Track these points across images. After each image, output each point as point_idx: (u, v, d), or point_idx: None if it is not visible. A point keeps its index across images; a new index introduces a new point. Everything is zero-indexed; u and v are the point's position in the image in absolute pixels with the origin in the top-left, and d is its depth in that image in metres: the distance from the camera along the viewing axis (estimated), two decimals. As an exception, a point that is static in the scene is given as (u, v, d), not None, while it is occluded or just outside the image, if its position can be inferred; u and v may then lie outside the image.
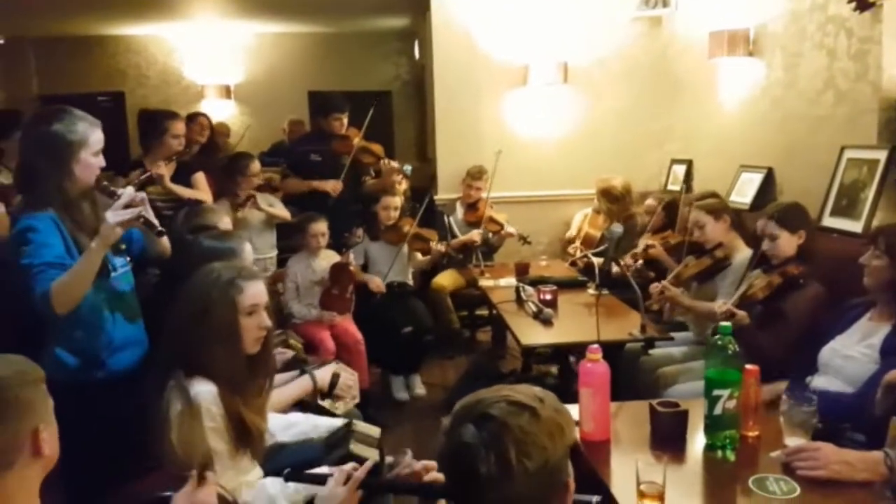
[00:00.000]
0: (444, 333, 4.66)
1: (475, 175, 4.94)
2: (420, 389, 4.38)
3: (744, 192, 3.94)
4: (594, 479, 1.85)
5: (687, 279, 3.29)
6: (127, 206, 2.05)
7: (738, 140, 4.22)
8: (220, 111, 7.77)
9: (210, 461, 1.76)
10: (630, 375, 3.18)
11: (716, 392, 1.88)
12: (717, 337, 1.93)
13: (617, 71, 5.28)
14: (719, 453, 1.89)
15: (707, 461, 1.89)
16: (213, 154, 4.91)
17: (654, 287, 3.14)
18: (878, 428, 1.97)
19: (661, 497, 1.63)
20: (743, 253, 3.23)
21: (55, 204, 2.11)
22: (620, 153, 5.22)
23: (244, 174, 4.15)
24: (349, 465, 1.53)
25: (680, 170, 4.97)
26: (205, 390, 1.82)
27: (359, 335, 4.06)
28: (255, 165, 4.25)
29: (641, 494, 1.64)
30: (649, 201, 4.40)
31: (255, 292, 1.93)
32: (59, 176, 2.12)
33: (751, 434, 1.97)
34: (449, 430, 1.10)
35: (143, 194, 2.16)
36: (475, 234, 4.71)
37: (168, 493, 1.47)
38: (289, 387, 2.40)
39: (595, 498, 1.24)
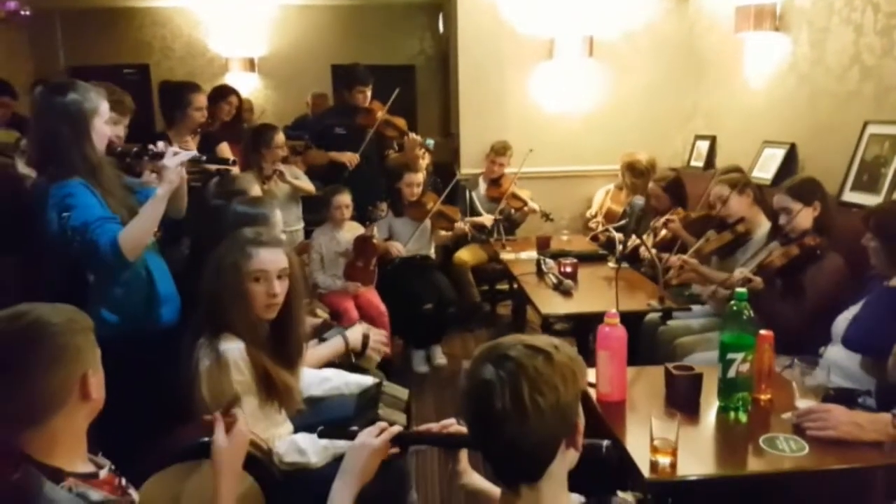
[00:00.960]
0: (465, 307, 4.74)
1: (499, 151, 4.97)
2: (441, 360, 4.46)
3: (766, 167, 3.94)
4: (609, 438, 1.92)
5: (708, 253, 3.32)
6: (177, 152, 2.17)
7: (762, 116, 4.21)
8: (245, 84, 7.84)
9: (237, 405, 1.86)
10: (649, 346, 3.24)
11: (730, 356, 1.93)
12: (732, 302, 1.98)
13: (643, 45, 5.26)
14: (732, 415, 1.95)
15: (720, 422, 1.95)
16: (237, 128, 4.96)
17: (674, 260, 3.18)
18: (890, 394, 2.02)
19: (673, 452, 1.70)
20: (764, 228, 3.25)
21: (81, 171, 2.19)
22: (645, 129, 5.22)
23: (269, 146, 4.19)
24: (381, 424, 1.60)
25: (703, 146, 4.96)
26: (232, 347, 1.91)
27: (382, 307, 4.14)
28: (280, 137, 4.30)
29: (655, 449, 1.71)
30: (651, 186, 4.35)
31: (266, 259, 1.97)
32: (81, 143, 2.21)
33: (763, 397, 2.02)
34: (470, 370, 1.18)
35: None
36: (486, 219, 4.74)
37: (206, 440, 1.57)
38: (321, 347, 2.50)
39: (605, 442, 1.31)
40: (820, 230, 2.84)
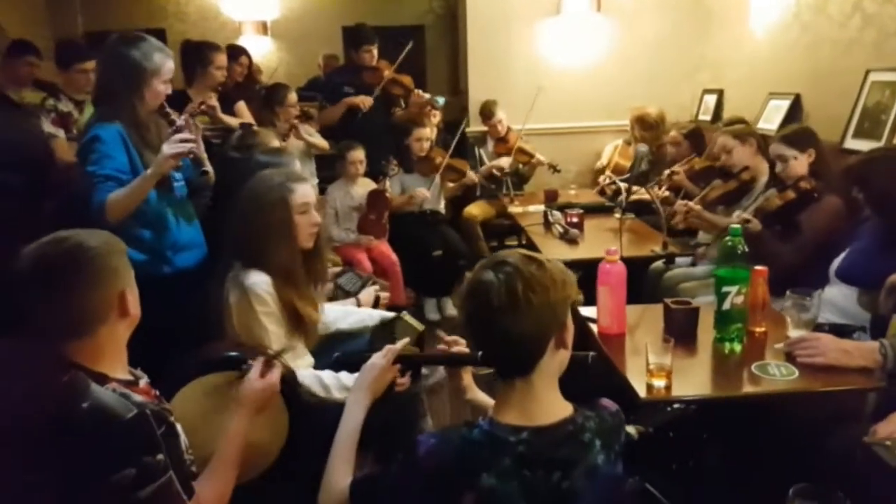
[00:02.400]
0: (474, 260, 4.82)
1: (487, 114, 4.94)
2: (452, 310, 4.59)
3: (771, 119, 3.99)
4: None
5: (713, 201, 3.40)
6: (183, 141, 2.26)
7: (767, 67, 4.24)
8: (258, 47, 7.89)
9: (268, 343, 2.00)
10: (653, 293, 3.34)
11: (725, 289, 2.02)
12: (727, 238, 2.07)
13: (650, -1, 5.26)
14: (727, 346, 2.04)
15: (715, 352, 2.06)
16: (250, 88, 5.04)
17: (679, 205, 3.26)
18: (882, 327, 2.12)
19: (668, 375, 1.81)
20: (767, 176, 3.32)
21: (125, 119, 2.33)
22: (653, 84, 5.23)
23: (282, 104, 4.27)
24: (389, 346, 1.73)
25: (711, 100, 4.99)
26: (260, 280, 2.05)
27: (394, 257, 4.28)
28: (293, 96, 4.38)
29: (650, 373, 1.82)
30: (672, 133, 4.45)
31: (305, 192, 2.16)
32: (131, 97, 2.35)
33: (758, 330, 2.13)
34: (471, 275, 1.31)
35: (198, 126, 2.38)
36: (503, 161, 4.81)
37: (232, 354, 1.70)
38: (335, 304, 2.63)
39: (591, 353, 1.45)
40: (815, 176, 2.91)
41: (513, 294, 1.23)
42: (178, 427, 1.45)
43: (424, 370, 3.25)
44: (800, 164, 2.90)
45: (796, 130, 3.01)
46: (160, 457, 1.30)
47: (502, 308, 1.24)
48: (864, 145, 3.12)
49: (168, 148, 2.24)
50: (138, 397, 1.35)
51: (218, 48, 3.91)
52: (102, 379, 1.33)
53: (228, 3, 8.09)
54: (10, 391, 1.32)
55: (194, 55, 3.83)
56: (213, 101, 3.70)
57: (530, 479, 1.23)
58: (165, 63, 2.39)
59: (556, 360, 1.32)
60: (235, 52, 4.77)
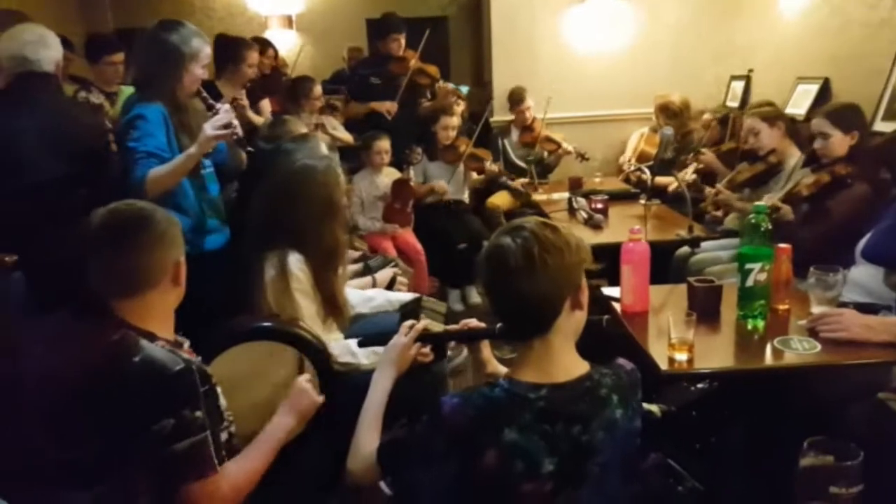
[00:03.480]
0: (497, 249, 4.86)
1: (516, 100, 4.96)
2: (476, 299, 4.62)
3: (799, 103, 3.95)
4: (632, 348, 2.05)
5: (740, 184, 3.39)
6: (225, 123, 2.33)
7: (795, 51, 4.20)
8: (283, 41, 7.97)
9: (300, 320, 2.06)
10: (679, 278, 3.33)
11: (748, 266, 2.03)
12: (751, 216, 2.07)
13: (676, -16, 5.22)
14: (750, 323, 2.05)
15: (738, 328, 2.07)
16: (276, 80, 5.11)
17: (709, 190, 3.26)
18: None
19: (690, 349, 1.83)
20: (795, 159, 3.30)
21: (166, 100, 2.43)
22: (679, 71, 5.19)
23: (307, 97, 4.34)
24: (410, 321, 1.77)
25: (738, 86, 4.95)
26: (294, 259, 2.13)
27: (419, 246, 4.33)
28: (318, 88, 4.44)
29: (672, 346, 1.84)
30: (706, 116, 4.45)
31: (344, 178, 2.27)
32: (171, 81, 2.45)
33: (781, 307, 2.13)
34: (490, 241, 1.36)
35: (236, 109, 2.46)
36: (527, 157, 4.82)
37: (265, 324, 1.76)
38: (352, 282, 2.70)
39: (605, 317, 1.48)
40: (854, 159, 2.85)
41: (529, 256, 1.28)
42: (219, 389, 1.51)
43: (449, 352, 3.32)
44: (840, 144, 2.83)
45: (843, 108, 2.92)
46: (199, 413, 1.36)
47: (520, 269, 1.28)
48: (893, 127, 3.08)
49: (211, 128, 2.31)
50: (185, 354, 1.43)
51: (252, 46, 4.00)
52: (151, 337, 1.42)
53: (255, -2, 8.19)
54: (68, 352, 1.41)
55: (228, 50, 3.90)
56: (245, 100, 3.79)
57: (551, 432, 1.27)
58: (203, 48, 2.49)
59: (572, 321, 1.36)
60: (262, 45, 4.85)
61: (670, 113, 4.73)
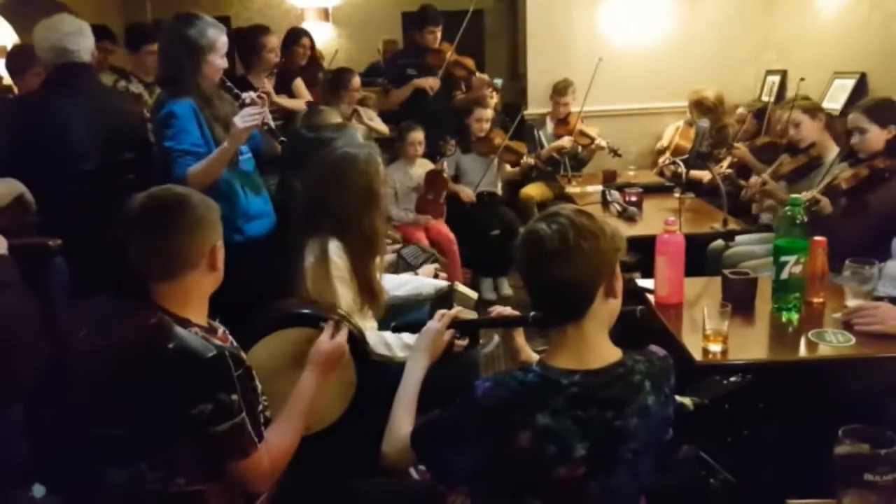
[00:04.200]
0: (530, 241, 4.88)
1: (561, 91, 4.99)
2: (508, 290, 4.66)
3: (836, 98, 3.92)
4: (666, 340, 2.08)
5: (782, 175, 3.38)
6: (253, 114, 2.40)
7: (833, 47, 4.15)
8: (319, 33, 8.05)
9: (338, 306, 2.11)
10: (713, 272, 3.34)
11: (783, 258, 2.05)
12: (787, 208, 2.09)
13: (713, -22, 5.18)
14: (784, 315, 2.07)
15: (773, 320, 2.09)
16: (313, 70, 5.15)
17: (755, 180, 3.26)
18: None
19: (724, 340, 1.85)
20: (833, 153, 3.28)
21: (192, 94, 2.48)
22: (715, 65, 5.14)
23: (347, 88, 4.41)
24: (443, 310, 1.80)
25: (774, 80, 4.90)
26: (334, 246, 2.18)
27: (452, 236, 4.37)
28: (357, 80, 4.51)
29: (706, 338, 1.87)
30: (740, 110, 4.43)
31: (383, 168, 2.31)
32: (193, 74, 2.50)
33: (816, 300, 2.14)
34: (526, 227, 1.39)
35: (264, 98, 2.54)
36: (566, 140, 4.83)
37: (308, 310, 1.82)
38: (395, 277, 2.74)
39: (639, 307, 1.50)
40: (892, 153, 2.85)
41: (565, 241, 1.30)
42: (254, 373, 1.57)
43: (482, 339, 3.36)
44: (877, 138, 2.83)
45: (880, 103, 2.93)
46: (235, 397, 1.42)
47: (555, 253, 1.30)
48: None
49: (241, 121, 2.38)
50: (218, 341, 1.48)
51: (267, 31, 4.01)
52: (186, 323, 1.47)
53: (292, -10, 8.30)
54: (108, 334, 1.49)
55: (246, 42, 3.97)
56: (268, 86, 3.85)
57: (584, 417, 1.29)
58: (219, 38, 2.53)
59: (606, 308, 1.38)
60: (297, 34, 4.83)
61: (704, 108, 4.71)
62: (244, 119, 2.38)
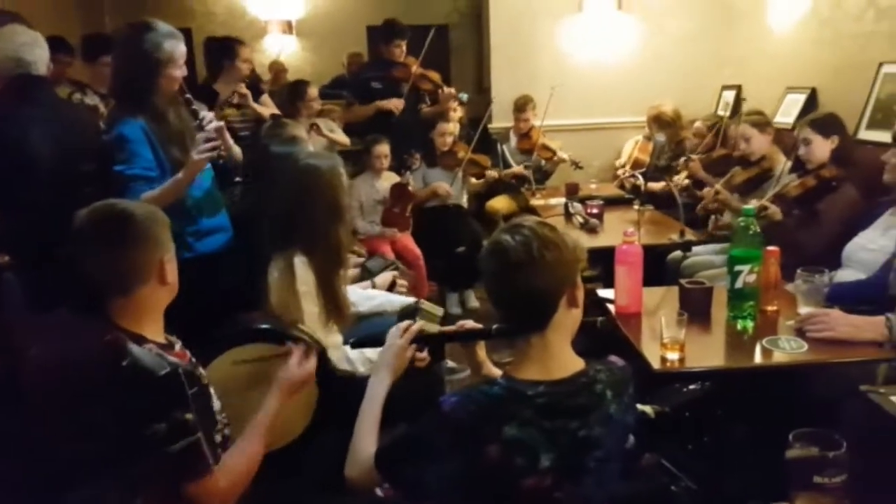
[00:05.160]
0: (497, 253, 4.92)
1: (521, 107, 5.05)
2: (475, 303, 4.68)
3: (788, 112, 4.06)
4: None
5: (735, 187, 3.49)
6: (210, 147, 2.33)
7: (785, 63, 4.29)
8: (283, 47, 8.07)
9: (303, 321, 2.10)
10: (673, 281, 3.41)
11: (737, 268, 2.10)
12: (740, 219, 2.15)
13: (671, -4, 5.32)
14: (740, 323, 2.12)
15: (728, 329, 2.13)
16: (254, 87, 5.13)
17: (708, 190, 3.36)
18: (890, 307, 2.18)
19: (681, 348, 1.89)
20: (783, 165, 3.39)
21: (146, 112, 2.38)
22: (674, 81, 5.28)
23: (303, 99, 4.39)
24: (405, 323, 1.76)
25: (729, 95, 5.04)
26: (299, 260, 2.16)
27: (418, 251, 4.38)
28: (314, 90, 4.50)
29: (664, 346, 1.90)
30: (697, 124, 4.54)
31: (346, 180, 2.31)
32: (148, 88, 2.39)
33: (770, 308, 2.20)
34: (491, 239, 1.41)
35: (220, 124, 2.45)
36: (521, 168, 4.91)
37: (266, 326, 1.81)
38: (361, 291, 2.74)
39: (600, 318, 1.53)
40: (837, 163, 2.97)
41: (529, 251, 1.33)
42: (212, 390, 1.55)
43: (451, 364, 3.36)
44: (822, 149, 2.97)
45: (823, 116, 3.09)
46: (189, 415, 1.40)
47: (520, 263, 1.33)
48: (877, 136, 3.19)
49: (197, 155, 2.31)
50: (173, 358, 1.46)
51: (242, 42, 4.05)
52: (141, 340, 1.46)
53: (255, 3, 8.27)
54: (62, 351, 1.46)
55: (220, 51, 3.97)
56: (244, 89, 3.87)
57: (550, 428, 1.31)
58: (177, 48, 2.40)
59: (569, 318, 1.40)
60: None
61: (663, 122, 4.82)
62: (200, 153, 2.32)
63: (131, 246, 1.48)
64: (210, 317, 2.07)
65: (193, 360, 1.62)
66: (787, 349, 1.94)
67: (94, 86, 3.90)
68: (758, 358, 1.96)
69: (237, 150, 2.78)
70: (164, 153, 2.40)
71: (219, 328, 1.93)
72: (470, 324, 1.77)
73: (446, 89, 4.83)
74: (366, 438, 1.51)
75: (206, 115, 2.46)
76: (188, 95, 2.49)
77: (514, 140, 5.20)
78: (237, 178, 3.15)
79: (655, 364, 1.90)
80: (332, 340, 2.28)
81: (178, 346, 1.59)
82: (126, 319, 1.48)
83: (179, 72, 2.45)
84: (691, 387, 2.49)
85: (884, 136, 3.00)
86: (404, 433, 1.42)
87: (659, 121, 4.84)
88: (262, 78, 6.37)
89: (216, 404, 1.57)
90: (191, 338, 1.71)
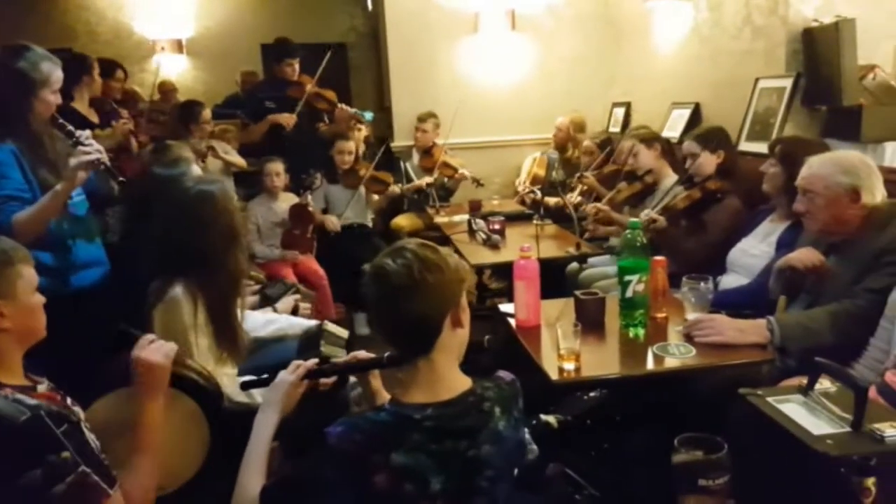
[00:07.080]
0: (402, 270, 4.91)
1: (421, 118, 5.12)
2: (382, 323, 4.63)
3: (674, 127, 4.24)
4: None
5: (620, 202, 3.60)
6: (88, 153, 2.20)
7: (670, 80, 4.50)
8: (173, 66, 7.81)
9: (195, 357, 1.99)
10: (571, 293, 3.49)
11: (627, 278, 2.16)
12: (627, 231, 2.21)
13: (563, 18, 5.47)
14: (632, 331, 2.18)
15: (621, 337, 2.19)
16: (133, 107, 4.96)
17: (589, 208, 3.44)
18: (771, 310, 2.30)
19: (577, 358, 1.92)
20: (671, 178, 3.54)
21: (18, 136, 2.25)
22: (569, 99, 5.44)
23: (196, 121, 4.25)
24: (297, 362, 1.69)
25: (620, 112, 5.25)
26: (185, 289, 2.02)
27: (321, 272, 4.30)
28: (207, 112, 4.37)
29: (560, 357, 1.93)
30: (586, 142, 4.68)
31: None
32: (22, 110, 2.27)
33: (659, 315, 2.27)
34: (372, 264, 1.39)
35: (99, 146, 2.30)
36: (423, 182, 4.94)
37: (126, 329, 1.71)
38: (260, 316, 2.62)
39: (487, 337, 1.54)
40: (723, 175, 3.12)
41: (410, 275, 1.32)
42: (84, 425, 1.44)
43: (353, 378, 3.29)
44: (708, 163, 3.11)
45: (710, 130, 3.23)
46: (65, 454, 1.31)
47: (402, 288, 1.32)
48: (756, 147, 3.37)
49: (76, 160, 2.18)
50: (33, 401, 1.35)
51: (92, 59, 4.04)
52: None
53: (142, 22, 7.98)
54: None
55: (76, 64, 3.85)
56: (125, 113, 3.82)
57: (439, 451, 1.29)
58: (54, 72, 2.32)
59: (454, 339, 1.40)
60: (110, 68, 4.65)
61: (582, 127, 5.02)
62: (80, 159, 2.18)
63: None
64: (89, 354, 1.95)
65: (68, 400, 1.50)
66: (676, 354, 2.01)
67: None
68: (650, 364, 2.01)
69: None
70: (34, 177, 2.27)
71: (99, 368, 1.80)
72: (363, 354, 1.74)
73: (343, 108, 4.80)
74: (252, 478, 1.46)
75: (83, 133, 2.33)
76: (62, 121, 2.35)
77: (416, 158, 5.23)
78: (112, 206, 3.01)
79: (553, 375, 1.92)
80: (227, 371, 2.18)
81: (42, 386, 1.47)
82: None
83: (54, 97, 2.34)
84: (591, 394, 2.54)
85: (762, 147, 3.19)
86: (291, 470, 1.41)
87: (578, 126, 5.03)
88: (171, 95, 6.13)
89: (92, 441, 1.46)
90: (68, 377, 1.59)
